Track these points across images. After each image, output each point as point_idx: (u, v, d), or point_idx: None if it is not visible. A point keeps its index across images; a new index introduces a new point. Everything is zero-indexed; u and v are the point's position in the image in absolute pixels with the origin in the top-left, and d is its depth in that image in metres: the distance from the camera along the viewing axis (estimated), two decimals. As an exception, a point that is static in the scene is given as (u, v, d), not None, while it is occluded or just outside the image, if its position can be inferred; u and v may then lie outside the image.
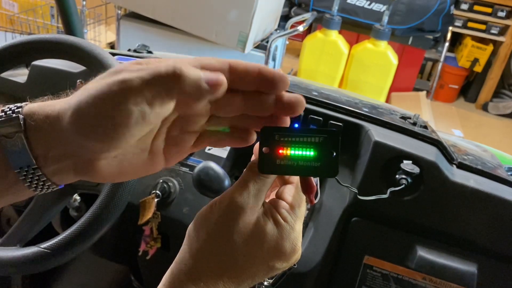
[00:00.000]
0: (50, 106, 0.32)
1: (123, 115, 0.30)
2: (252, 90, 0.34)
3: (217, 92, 0.31)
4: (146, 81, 0.30)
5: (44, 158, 0.32)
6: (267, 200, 0.38)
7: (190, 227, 0.37)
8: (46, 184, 0.33)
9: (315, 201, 0.38)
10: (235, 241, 0.35)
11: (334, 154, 0.33)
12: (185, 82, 0.30)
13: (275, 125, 0.34)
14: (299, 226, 0.37)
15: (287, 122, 0.35)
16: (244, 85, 0.34)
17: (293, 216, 0.37)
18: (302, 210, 0.38)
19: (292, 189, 0.38)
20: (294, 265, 0.39)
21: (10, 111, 0.32)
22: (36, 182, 0.32)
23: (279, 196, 0.38)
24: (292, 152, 0.33)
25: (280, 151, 0.33)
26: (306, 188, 0.37)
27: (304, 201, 0.38)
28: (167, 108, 0.31)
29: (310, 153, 0.33)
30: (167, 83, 0.30)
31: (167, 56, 1.01)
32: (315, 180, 0.37)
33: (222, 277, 0.34)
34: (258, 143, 0.36)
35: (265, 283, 0.71)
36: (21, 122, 0.31)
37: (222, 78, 0.31)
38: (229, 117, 0.35)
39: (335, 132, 0.33)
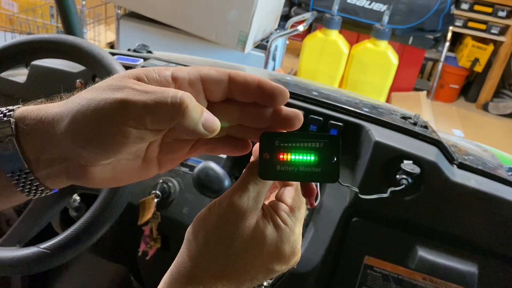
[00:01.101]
0: (44, 110, 0.31)
1: (121, 135, 0.30)
2: (250, 101, 0.34)
3: (209, 136, 0.32)
4: (148, 108, 0.29)
5: (36, 162, 0.31)
6: (266, 202, 0.38)
7: (189, 230, 0.37)
8: (39, 189, 0.33)
9: (316, 204, 0.38)
10: (234, 244, 0.34)
11: (335, 159, 0.33)
12: (186, 119, 0.30)
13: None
14: (299, 229, 0.37)
15: None
16: (243, 97, 0.34)
17: (293, 219, 0.36)
18: (302, 213, 0.38)
19: (292, 191, 0.38)
20: (294, 266, 0.39)
21: (1, 114, 0.31)
22: (28, 186, 0.32)
23: (279, 198, 0.38)
24: (293, 157, 0.33)
25: (280, 157, 0.33)
26: (307, 191, 0.37)
27: (304, 203, 0.38)
28: (165, 131, 0.32)
29: (311, 158, 0.33)
30: (170, 114, 0.30)
31: (167, 56, 1.01)
32: (315, 183, 0.37)
33: (221, 279, 0.34)
34: (257, 144, 0.36)
35: (265, 283, 0.70)
36: (12, 126, 0.31)
37: (218, 125, 0.32)
38: (225, 126, 0.35)
39: (336, 137, 0.33)
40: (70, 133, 0.30)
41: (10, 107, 0.32)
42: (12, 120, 0.31)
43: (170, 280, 0.34)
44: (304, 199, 0.38)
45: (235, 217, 0.35)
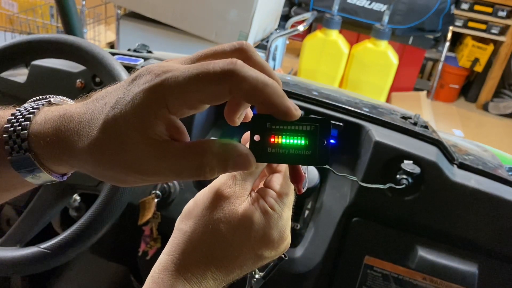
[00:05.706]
0: (64, 143, 0.31)
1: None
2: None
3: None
4: None
5: (45, 160, 0.32)
6: (256, 190, 0.38)
7: (178, 219, 0.37)
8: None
9: (303, 191, 0.38)
10: (221, 231, 0.35)
11: (325, 142, 0.33)
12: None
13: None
14: (287, 214, 0.37)
15: None
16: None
17: (281, 204, 0.37)
18: (290, 199, 0.38)
19: (280, 178, 0.38)
20: (285, 255, 0.39)
21: (15, 135, 0.31)
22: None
23: (267, 185, 0.38)
24: (284, 140, 0.33)
25: (271, 139, 0.33)
26: (295, 177, 0.37)
27: (292, 189, 0.38)
28: None
29: (301, 141, 0.33)
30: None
31: (167, 56, 1.01)
32: (303, 169, 0.37)
33: (209, 267, 0.34)
34: (248, 132, 0.36)
35: (256, 276, 0.70)
36: (29, 155, 0.31)
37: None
38: None
39: (326, 121, 0.33)
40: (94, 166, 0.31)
41: (23, 121, 0.31)
42: (26, 146, 0.31)
43: (159, 269, 0.35)
44: (292, 185, 0.38)
45: (221, 204, 0.35)
